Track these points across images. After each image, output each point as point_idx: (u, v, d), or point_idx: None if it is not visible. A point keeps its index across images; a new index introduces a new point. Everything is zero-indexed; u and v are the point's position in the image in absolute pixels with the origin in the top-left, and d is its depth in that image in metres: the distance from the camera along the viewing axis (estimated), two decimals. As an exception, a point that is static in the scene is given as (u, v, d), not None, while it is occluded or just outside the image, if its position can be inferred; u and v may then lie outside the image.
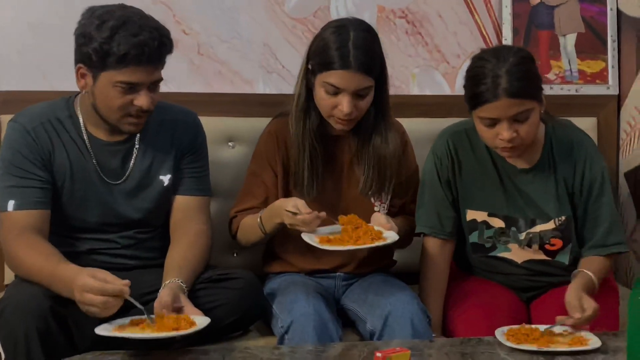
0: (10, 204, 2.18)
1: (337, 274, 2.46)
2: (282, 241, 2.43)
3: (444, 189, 2.40)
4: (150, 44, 2.11)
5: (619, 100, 3.03)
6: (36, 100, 2.36)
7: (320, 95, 2.31)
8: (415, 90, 2.99)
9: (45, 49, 2.75)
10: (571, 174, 2.36)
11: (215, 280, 2.22)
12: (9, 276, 2.45)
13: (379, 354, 1.84)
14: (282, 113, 2.45)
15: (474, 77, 2.22)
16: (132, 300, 1.98)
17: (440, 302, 2.40)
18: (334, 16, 2.88)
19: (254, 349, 2.04)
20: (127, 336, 1.95)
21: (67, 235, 2.27)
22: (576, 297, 2.14)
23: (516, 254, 2.40)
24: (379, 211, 2.40)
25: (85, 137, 2.27)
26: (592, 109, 2.99)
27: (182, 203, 2.35)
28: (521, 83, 2.18)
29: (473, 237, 2.42)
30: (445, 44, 3.00)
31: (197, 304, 2.10)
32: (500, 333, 2.07)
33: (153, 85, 2.19)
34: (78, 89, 2.23)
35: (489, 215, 2.39)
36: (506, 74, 2.17)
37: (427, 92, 3.00)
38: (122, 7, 2.18)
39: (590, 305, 2.12)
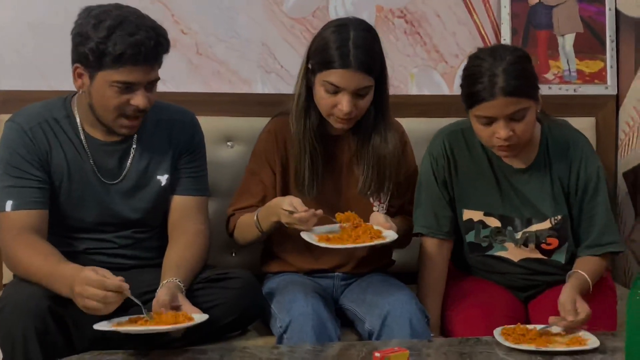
0: (8, 204, 2.18)
1: (336, 273, 2.46)
2: (281, 241, 2.43)
3: (440, 189, 2.40)
4: (147, 44, 2.11)
5: (617, 100, 3.03)
6: (35, 100, 2.36)
7: (320, 95, 2.30)
8: (413, 90, 2.99)
9: (45, 49, 2.75)
10: (567, 173, 2.36)
11: (214, 280, 2.22)
12: (7, 276, 2.44)
13: (377, 354, 1.84)
14: (281, 112, 2.45)
15: (470, 76, 2.23)
16: (131, 296, 1.98)
17: (439, 301, 2.40)
18: (332, 16, 2.87)
19: (252, 349, 2.05)
20: (125, 330, 1.95)
21: (64, 235, 2.27)
22: (570, 300, 2.14)
23: (512, 252, 2.40)
24: (377, 211, 2.40)
25: (82, 137, 2.26)
26: (591, 109, 2.98)
27: (179, 203, 2.35)
28: (518, 82, 2.18)
29: (470, 237, 2.42)
30: (444, 43, 3.00)
31: (196, 304, 2.10)
32: (499, 333, 2.07)
33: (150, 85, 2.19)
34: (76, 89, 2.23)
35: (485, 214, 2.39)
36: (503, 72, 2.17)
37: (426, 92, 2.99)
38: (119, 6, 2.18)
39: (583, 309, 2.12)
